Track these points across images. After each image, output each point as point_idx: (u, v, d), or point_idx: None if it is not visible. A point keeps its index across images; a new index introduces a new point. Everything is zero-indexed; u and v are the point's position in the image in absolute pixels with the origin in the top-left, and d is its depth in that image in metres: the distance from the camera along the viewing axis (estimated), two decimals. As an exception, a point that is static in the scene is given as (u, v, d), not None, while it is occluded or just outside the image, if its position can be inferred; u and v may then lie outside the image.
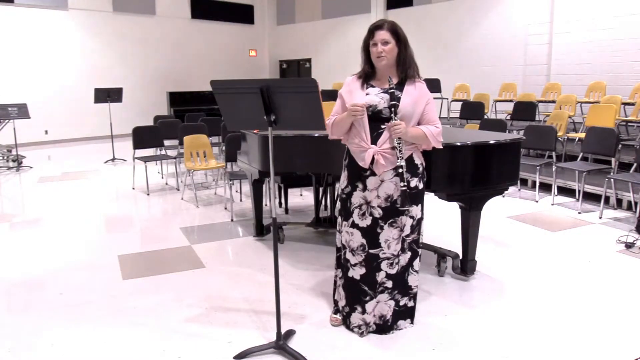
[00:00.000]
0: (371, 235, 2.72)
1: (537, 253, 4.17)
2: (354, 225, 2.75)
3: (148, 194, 6.42)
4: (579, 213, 5.30)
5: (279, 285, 2.64)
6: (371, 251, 2.73)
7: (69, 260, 4.09)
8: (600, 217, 5.12)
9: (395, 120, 2.56)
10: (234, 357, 2.59)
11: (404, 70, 2.66)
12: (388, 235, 2.71)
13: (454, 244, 3.84)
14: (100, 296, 3.39)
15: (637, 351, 2.63)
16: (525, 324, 2.96)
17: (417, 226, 2.78)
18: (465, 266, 3.57)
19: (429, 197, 3.08)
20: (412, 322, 2.92)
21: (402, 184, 2.57)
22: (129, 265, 3.96)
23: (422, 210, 2.78)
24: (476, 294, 3.39)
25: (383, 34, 2.61)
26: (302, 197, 6.18)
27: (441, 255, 3.69)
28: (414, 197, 2.71)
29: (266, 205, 5.20)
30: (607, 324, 2.95)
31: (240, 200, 6.10)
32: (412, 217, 2.73)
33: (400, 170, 2.57)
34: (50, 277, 3.75)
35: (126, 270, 3.86)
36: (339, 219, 2.86)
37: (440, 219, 5.08)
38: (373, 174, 2.67)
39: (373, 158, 2.63)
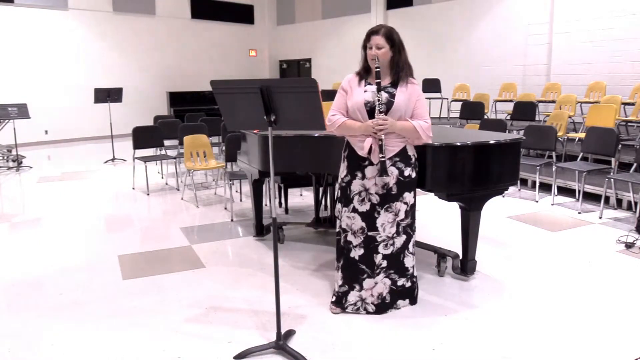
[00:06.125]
0: (369, 219, 2.95)
1: (537, 253, 4.17)
2: (354, 210, 2.97)
3: (148, 194, 6.42)
4: (579, 213, 5.30)
5: (279, 285, 2.65)
6: (369, 233, 2.96)
7: (69, 260, 4.09)
8: (600, 217, 5.12)
9: (381, 111, 2.74)
10: (234, 357, 2.59)
11: (397, 72, 2.86)
12: (384, 219, 2.94)
13: (454, 244, 3.84)
14: (100, 296, 3.39)
15: (637, 351, 2.64)
16: (525, 324, 2.96)
17: (410, 211, 3.00)
18: (465, 266, 3.57)
19: (429, 197, 3.09)
20: (412, 303, 3.13)
21: (380, 155, 2.77)
22: (129, 265, 3.96)
23: (414, 197, 3.02)
24: (476, 294, 3.39)
25: (378, 39, 2.83)
26: (302, 197, 6.18)
27: (441, 255, 3.69)
28: (408, 185, 2.95)
29: (266, 205, 5.20)
30: (607, 324, 2.95)
31: (240, 200, 6.10)
32: (405, 203, 2.96)
33: (381, 156, 2.78)
34: (50, 277, 3.75)
35: (126, 270, 3.87)
36: (339, 206, 3.07)
37: (440, 219, 5.08)
38: (371, 163, 2.89)
39: (371, 147, 2.84)
